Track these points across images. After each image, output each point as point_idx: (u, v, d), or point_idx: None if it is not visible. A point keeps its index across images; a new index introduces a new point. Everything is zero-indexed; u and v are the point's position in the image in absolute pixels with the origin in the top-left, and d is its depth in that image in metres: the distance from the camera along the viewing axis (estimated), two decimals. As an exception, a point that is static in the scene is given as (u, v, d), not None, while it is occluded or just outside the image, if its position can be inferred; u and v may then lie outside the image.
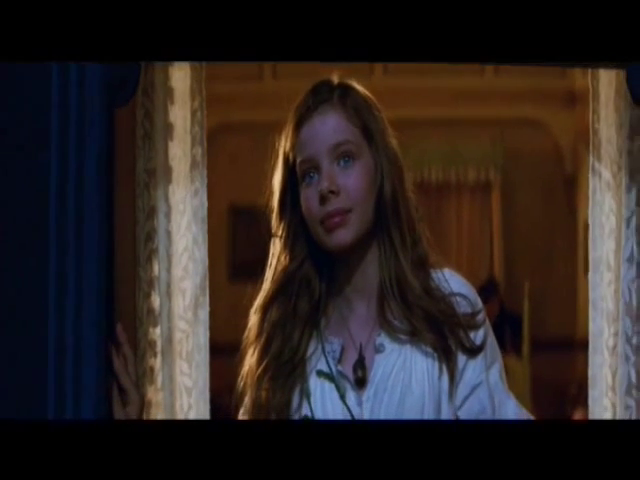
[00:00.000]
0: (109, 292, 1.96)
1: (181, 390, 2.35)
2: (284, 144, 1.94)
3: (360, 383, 1.87)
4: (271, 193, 2.02)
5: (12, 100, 1.84)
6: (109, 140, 1.92)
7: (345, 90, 1.91)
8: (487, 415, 1.92)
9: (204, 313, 2.34)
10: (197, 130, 2.29)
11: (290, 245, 1.98)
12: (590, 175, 2.43)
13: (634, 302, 2.31)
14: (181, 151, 2.31)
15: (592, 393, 2.42)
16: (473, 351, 1.88)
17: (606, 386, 2.40)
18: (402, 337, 1.86)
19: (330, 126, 1.86)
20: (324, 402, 1.90)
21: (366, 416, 1.86)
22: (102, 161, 1.88)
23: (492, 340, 1.95)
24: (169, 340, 2.32)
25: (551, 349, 7.76)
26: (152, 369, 2.32)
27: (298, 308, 1.95)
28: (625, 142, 2.31)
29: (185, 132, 2.29)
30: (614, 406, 2.38)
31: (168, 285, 2.30)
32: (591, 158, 2.43)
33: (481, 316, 1.90)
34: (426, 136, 8.34)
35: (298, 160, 1.90)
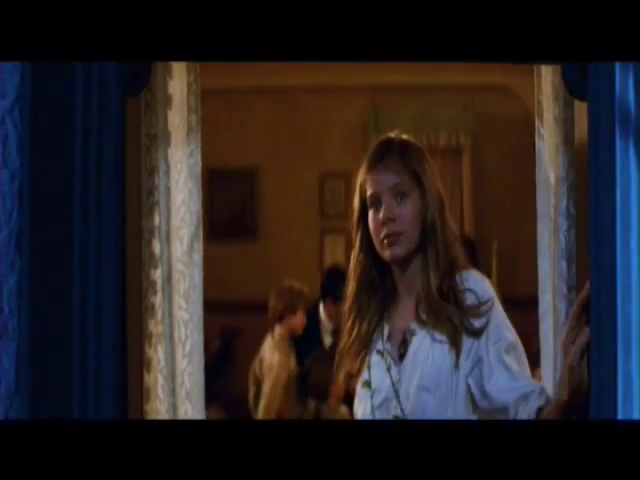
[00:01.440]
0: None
1: (179, 323, 2.83)
2: (360, 180, 2.67)
3: (401, 357, 2.60)
4: (352, 212, 2.73)
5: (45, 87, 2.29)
6: (123, 122, 2.44)
7: (402, 146, 2.66)
8: (484, 382, 2.54)
9: (198, 257, 2.83)
10: (192, 100, 2.76)
11: (362, 256, 2.69)
12: (536, 138, 2.90)
13: (569, 248, 2.83)
14: (178, 119, 2.78)
15: (542, 326, 2.97)
16: (475, 333, 2.54)
17: (552, 321, 2.90)
18: (427, 326, 2.57)
19: (390, 172, 2.59)
20: (377, 371, 2.62)
21: (403, 381, 2.56)
22: (119, 138, 2.39)
23: (499, 323, 2.59)
24: (168, 280, 2.79)
25: (519, 307, 8.23)
26: (153, 305, 2.81)
27: (370, 303, 2.69)
28: (561, 112, 2.82)
29: (182, 102, 2.76)
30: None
31: (167, 233, 2.79)
32: (537, 123, 2.90)
33: (485, 307, 2.56)
34: (398, 101, 8.75)
35: (368, 194, 2.62)
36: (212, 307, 3.32)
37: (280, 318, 6.52)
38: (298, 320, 6.57)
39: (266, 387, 6.34)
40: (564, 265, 2.80)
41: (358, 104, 8.89)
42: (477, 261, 8.32)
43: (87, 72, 2.35)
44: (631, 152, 2.45)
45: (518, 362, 2.60)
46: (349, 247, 7.26)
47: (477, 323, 2.53)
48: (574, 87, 2.64)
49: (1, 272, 2.40)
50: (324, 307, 6.78)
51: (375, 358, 2.64)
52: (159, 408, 2.81)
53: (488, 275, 8.06)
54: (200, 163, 2.79)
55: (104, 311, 2.43)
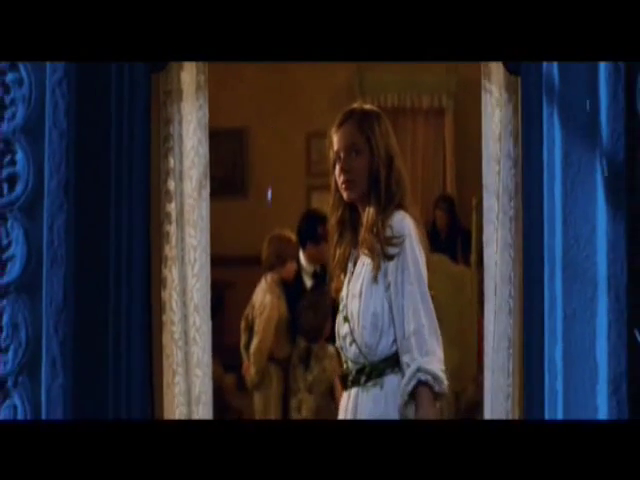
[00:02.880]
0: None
1: (189, 248, 3.52)
2: (328, 140, 3.37)
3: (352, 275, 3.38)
4: (329, 163, 3.41)
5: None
6: (149, 93, 3.18)
7: (360, 114, 3.34)
8: (392, 304, 3.23)
9: (206, 192, 3.54)
10: (200, 63, 3.43)
11: (336, 197, 3.39)
12: (482, 93, 3.62)
13: (510, 185, 3.54)
14: (189, 78, 3.43)
15: (486, 251, 3.69)
16: (388, 258, 3.21)
17: (496, 245, 3.62)
18: (365, 251, 3.27)
19: (348, 134, 3.30)
20: (344, 287, 3.38)
21: (349, 292, 3.31)
22: (147, 105, 3.16)
23: (408, 257, 3.22)
24: (181, 212, 3.48)
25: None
26: (168, 233, 3.50)
27: (344, 235, 3.41)
28: (504, 73, 3.51)
29: (192, 65, 3.45)
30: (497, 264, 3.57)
31: (180, 173, 3.47)
32: (483, 80, 3.62)
33: (397, 240, 3.21)
34: (383, 66, 9.16)
35: (334, 150, 3.33)
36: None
37: (272, 265, 6.78)
38: (289, 267, 6.82)
39: (259, 327, 6.64)
40: (506, 199, 3.51)
41: (344, 68, 9.18)
42: (455, 215, 8.92)
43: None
44: (555, 114, 3.19)
45: (416, 303, 3.24)
46: (336, 204, 7.82)
47: (391, 250, 3.20)
48: (510, 65, 3.39)
49: (52, 212, 3.06)
50: (303, 251, 7.04)
51: (347, 277, 3.40)
52: (173, 319, 3.49)
53: (469, 231, 8.73)
54: (207, 115, 3.49)
55: (134, 238, 3.15)
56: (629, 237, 3.15)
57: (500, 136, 3.59)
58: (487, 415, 3.62)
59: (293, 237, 6.89)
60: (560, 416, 3.16)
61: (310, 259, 6.96)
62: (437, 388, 3.11)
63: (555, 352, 3.23)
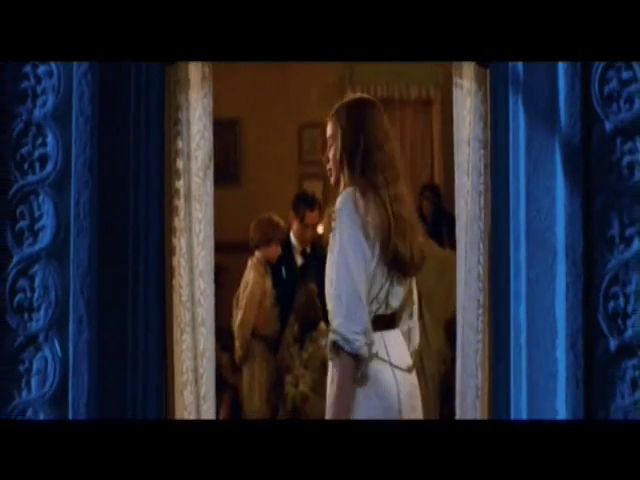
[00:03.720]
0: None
1: (195, 220, 3.99)
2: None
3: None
4: None
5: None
6: (163, 83, 3.64)
7: (340, 107, 3.66)
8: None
9: (210, 171, 4.01)
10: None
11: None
12: (454, 87, 4.14)
13: (479, 165, 4.00)
14: (195, 69, 3.89)
15: (458, 223, 4.14)
16: (332, 231, 3.48)
17: (466, 217, 4.08)
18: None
19: (329, 126, 3.65)
20: None
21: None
22: (161, 94, 3.62)
23: (336, 229, 3.46)
24: (188, 188, 3.94)
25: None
26: (177, 207, 3.94)
27: None
28: (475, 66, 3.97)
29: None
30: (467, 234, 4.05)
31: (188, 154, 3.93)
32: (454, 76, 4.13)
33: (334, 215, 3.47)
34: (373, 57, 9.58)
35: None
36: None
37: (257, 246, 7.09)
38: (273, 250, 7.09)
39: (242, 302, 6.95)
40: (475, 177, 3.99)
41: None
42: (441, 202, 9.29)
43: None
44: (519, 102, 3.64)
45: (333, 271, 3.46)
46: (326, 191, 8.32)
47: (332, 224, 3.47)
48: None
49: (78, 188, 3.50)
50: (293, 230, 7.35)
51: None
52: (181, 283, 3.94)
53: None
54: (211, 102, 3.94)
55: (150, 211, 3.60)
56: (584, 210, 3.54)
57: (470, 121, 4.06)
58: (458, 369, 4.09)
59: (281, 221, 7.12)
60: (524, 367, 3.55)
61: (299, 238, 7.29)
62: (347, 348, 3.31)
63: (519, 311, 3.63)
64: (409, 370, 3.52)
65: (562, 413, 3.52)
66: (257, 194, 9.13)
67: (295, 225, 7.30)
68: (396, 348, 3.53)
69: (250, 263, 7.07)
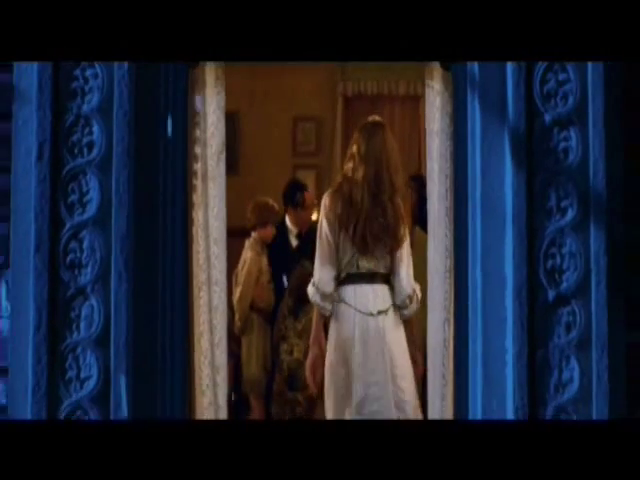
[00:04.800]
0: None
1: (210, 197, 4.82)
2: None
3: None
4: None
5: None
6: (187, 82, 4.39)
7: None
8: None
9: (222, 156, 4.84)
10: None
11: None
12: (426, 87, 4.95)
13: (445, 153, 4.79)
14: (210, 72, 4.74)
15: (428, 201, 4.94)
16: None
17: (435, 197, 4.89)
18: None
19: None
20: None
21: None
22: (185, 90, 4.37)
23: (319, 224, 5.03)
24: (205, 170, 4.75)
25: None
26: (195, 185, 4.74)
27: None
28: (442, 70, 4.78)
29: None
30: (435, 210, 4.88)
31: (204, 141, 4.74)
32: (426, 79, 4.94)
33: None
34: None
35: None
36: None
37: (254, 227, 7.65)
38: (268, 230, 7.66)
39: (240, 279, 7.51)
40: (442, 163, 4.83)
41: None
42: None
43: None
44: (476, 99, 4.28)
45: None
46: (318, 180, 9.13)
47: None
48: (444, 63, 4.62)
49: (118, 169, 4.12)
50: (288, 215, 7.88)
51: None
52: (198, 249, 4.73)
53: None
54: (224, 99, 4.78)
55: (176, 188, 4.35)
56: (528, 186, 4.13)
57: (439, 117, 4.84)
58: (429, 319, 4.92)
59: (275, 205, 7.68)
60: (480, 314, 4.16)
61: (294, 222, 7.82)
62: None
63: (476, 271, 4.22)
64: (372, 315, 4.88)
65: (510, 350, 4.10)
66: (254, 182, 9.35)
67: (290, 211, 7.76)
68: (363, 298, 4.94)
69: (247, 243, 7.58)
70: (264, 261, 7.62)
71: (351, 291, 5.02)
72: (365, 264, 5.03)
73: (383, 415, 4.77)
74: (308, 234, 7.60)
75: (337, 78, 10.29)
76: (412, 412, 4.90)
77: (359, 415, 4.80)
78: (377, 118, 5.41)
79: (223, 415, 5.06)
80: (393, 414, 4.81)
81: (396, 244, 5.01)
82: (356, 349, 4.90)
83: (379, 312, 4.93)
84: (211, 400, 4.94)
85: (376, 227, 4.96)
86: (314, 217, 7.75)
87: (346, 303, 4.99)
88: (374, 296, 5.01)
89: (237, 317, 7.48)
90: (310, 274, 6.62)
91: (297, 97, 10.21)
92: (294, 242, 7.90)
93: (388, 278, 5.11)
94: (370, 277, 5.02)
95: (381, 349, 4.95)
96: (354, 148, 5.09)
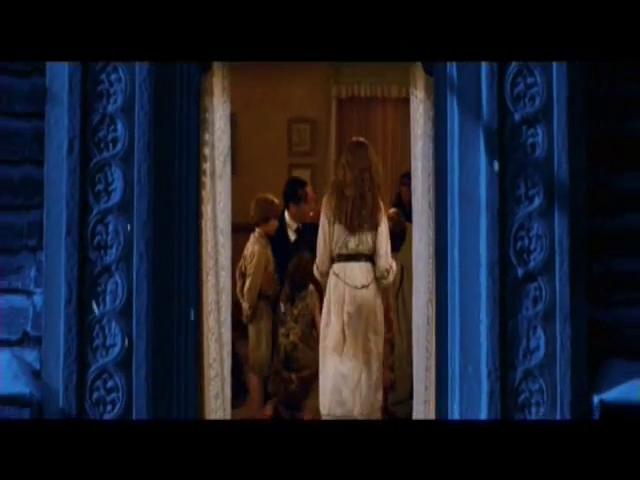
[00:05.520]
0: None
1: (217, 192, 5.36)
2: None
3: None
4: None
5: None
6: (199, 87, 4.86)
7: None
8: None
9: (228, 158, 5.35)
10: (226, 72, 5.33)
11: None
12: (411, 95, 5.50)
13: (428, 153, 5.33)
14: (217, 81, 5.27)
15: (414, 195, 5.49)
16: None
17: (419, 190, 5.46)
18: None
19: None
20: None
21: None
22: (197, 92, 4.88)
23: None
24: (212, 169, 5.30)
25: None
26: (204, 182, 5.29)
27: None
28: (426, 80, 5.31)
29: (219, 73, 5.30)
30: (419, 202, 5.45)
31: (212, 143, 5.27)
32: (411, 87, 5.48)
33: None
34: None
35: None
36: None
37: (258, 222, 8.09)
38: (271, 225, 8.10)
39: (249, 271, 7.93)
40: (425, 162, 5.41)
41: (322, 63, 9.50)
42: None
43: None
44: (454, 99, 4.64)
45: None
46: (313, 180, 9.81)
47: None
48: (426, 67, 5.15)
49: (139, 162, 4.53)
50: (288, 211, 8.23)
51: None
52: (207, 239, 5.28)
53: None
54: (229, 107, 5.30)
55: (189, 183, 4.84)
56: (500, 176, 4.49)
57: (423, 122, 5.38)
58: (414, 298, 5.48)
59: (275, 200, 8.08)
60: (457, 291, 4.53)
61: (293, 217, 8.23)
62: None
63: (454, 254, 4.56)
64: (358, 288, 6.26)
65: (484, 321, 4.44)
66: (251, 181, 9.59)
67: (291, 207, 8.16)
68: (352, 273, 6.35)
69: (252, 238, 8.05)
70: (269, 252, 8.05)
71: (342, 267, 6.48)
72: (353, 246, 6.52)
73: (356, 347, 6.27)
74: (305, 229, 8.09)
75: (331, 81, 10.60)
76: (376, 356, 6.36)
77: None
78: (361, 139, 6.99)
79: (227, 387, 5.57)
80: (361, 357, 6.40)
81: (375, 227, 6.52)
82: (345, 311, 6.17)
83: (363, 286, 6.26)
84: (217, 372, 5.45)
85: (362, 214, 6.33)
86: (311, 213, 8.21)
87: (337, 277, 6.35)
88: (360, 272, 6.50)
89: (247, 305, 7.92)
90: (306, 262, 7.45)
91: (292, 100, 10.55)
92: (292, 237, 8.28)
93: (371, 257, 6.59)
94: (356, 256, 6.36)
95: (364, 313, 6.46)
96: (343, 160, 6.70)
